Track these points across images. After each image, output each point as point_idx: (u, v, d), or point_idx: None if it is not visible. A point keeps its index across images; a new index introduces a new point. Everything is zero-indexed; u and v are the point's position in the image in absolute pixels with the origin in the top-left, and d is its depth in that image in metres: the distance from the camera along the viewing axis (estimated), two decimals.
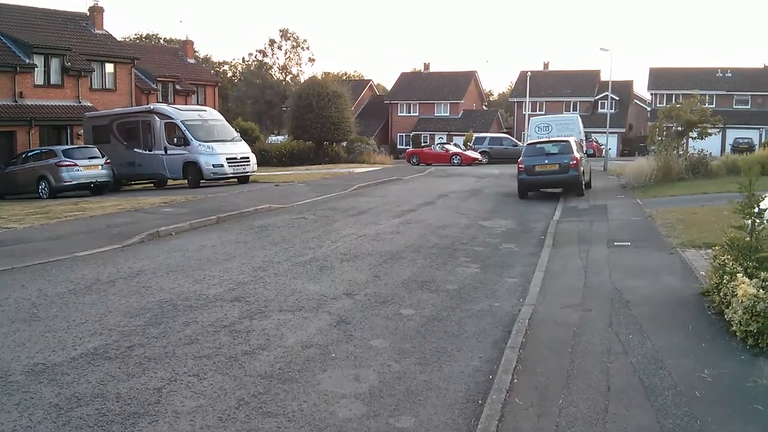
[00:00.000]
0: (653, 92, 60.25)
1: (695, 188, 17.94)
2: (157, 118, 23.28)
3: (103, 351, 5.85)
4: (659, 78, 60.07)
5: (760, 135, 53.46)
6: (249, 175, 23.74)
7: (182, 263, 9.55)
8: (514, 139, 46.07)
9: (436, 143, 51.48)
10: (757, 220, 6.78)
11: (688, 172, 21.23)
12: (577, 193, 18.61)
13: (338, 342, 6.16)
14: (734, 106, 55.71)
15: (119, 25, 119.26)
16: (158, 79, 39.76)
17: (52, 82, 30.41)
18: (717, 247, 7.24)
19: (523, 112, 53.93)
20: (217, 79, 52.94)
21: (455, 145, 50.25)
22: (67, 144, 28.30)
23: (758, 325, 5.54)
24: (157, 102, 34.35)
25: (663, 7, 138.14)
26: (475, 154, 41.85)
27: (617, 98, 56.49)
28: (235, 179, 23.42)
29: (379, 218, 14.27)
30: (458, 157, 40.64)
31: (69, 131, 30.43)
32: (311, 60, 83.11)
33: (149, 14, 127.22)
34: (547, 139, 21.78)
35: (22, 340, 6.11)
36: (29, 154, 24.01)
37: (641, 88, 65.46)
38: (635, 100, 65.34)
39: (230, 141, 23.62)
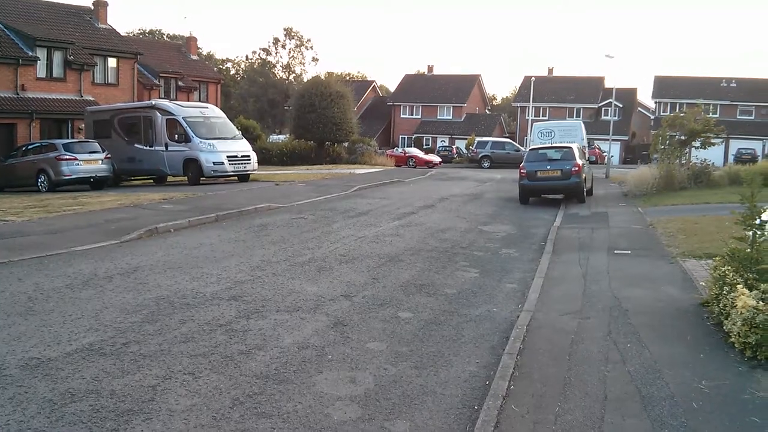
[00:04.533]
0: (657, 100, 60.36)
1: (697, 198, 17.91)
2: (158, 114, 23.22)
3: (99, 347, 5.82)
4: (664, 86, 60.17)
5: (763, 146, 53.69)
6: (249, 174, 23.71)
7: (180, 261, 9.53)
8: (516, 144, 46.08)
9: (399, 147, 54.87)
10: (758, 232, 6.78)
11: (690, 182, 21.22)
12: (579, 200, 18.59)
13: (335, 344, 6.13)
14: (738, 117, 55.84)
15: (123, 20, 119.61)
16: (161, 74, 39.78)
17: (54, 75, 30.42)
18: (717, 258, 7.22)
19: (526, 117, 53.91)
20: (220, 76, 53.01)
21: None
22: (67, 138, 28.34)
23: (757, 337, 5.54)
24: (159, 98, 34.31)
25: (669, 15, 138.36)
26: (432, 157, 45.70)
27: (621, 106, 56.56)
28: (236, 177, 23.38)
29: (379, 220, 14.25)
30: (413, 159, 44.12)
31: (70, 125, 30.46)
32: (315, 59, 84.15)
33: (153, 10, 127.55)
34: (549, 145, 21.72)
35: (18, 334, 6.08)
36: (29, 147, 23.95)
37: (645, 96, 65.77)
38: (639, 108, 65.48)
39: (231, 139, 23.56)
